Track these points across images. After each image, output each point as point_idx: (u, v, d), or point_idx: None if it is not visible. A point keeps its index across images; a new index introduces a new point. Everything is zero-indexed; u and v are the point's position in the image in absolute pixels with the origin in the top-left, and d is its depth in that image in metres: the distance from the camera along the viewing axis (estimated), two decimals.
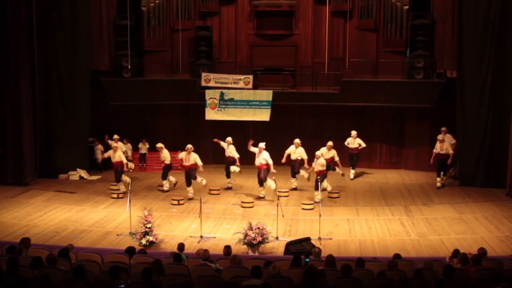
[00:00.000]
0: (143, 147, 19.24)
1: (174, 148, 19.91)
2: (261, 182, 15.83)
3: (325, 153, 16.54)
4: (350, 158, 18.50)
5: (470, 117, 17.65)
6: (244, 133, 20.47)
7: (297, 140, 16.82)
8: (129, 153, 18.85)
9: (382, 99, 18.79)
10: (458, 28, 17.76)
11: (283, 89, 19.18)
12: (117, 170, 16.37)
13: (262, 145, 16.00)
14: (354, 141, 18.07)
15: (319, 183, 14.82)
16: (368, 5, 19.17)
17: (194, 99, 19.30)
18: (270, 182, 15.55)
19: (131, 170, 17.03)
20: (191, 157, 15.91)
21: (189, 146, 16.10)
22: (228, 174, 16.97)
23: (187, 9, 19.66)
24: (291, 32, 19.87)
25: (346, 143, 18.24)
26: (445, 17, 18.19)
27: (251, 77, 19.01)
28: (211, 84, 18.97)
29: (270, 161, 15.71)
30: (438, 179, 17.13)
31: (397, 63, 18.92)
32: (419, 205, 15.58)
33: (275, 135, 20.25)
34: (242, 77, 19.05)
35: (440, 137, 17.10)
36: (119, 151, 16.44)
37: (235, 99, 18.98)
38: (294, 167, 16.82)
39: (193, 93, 19.15)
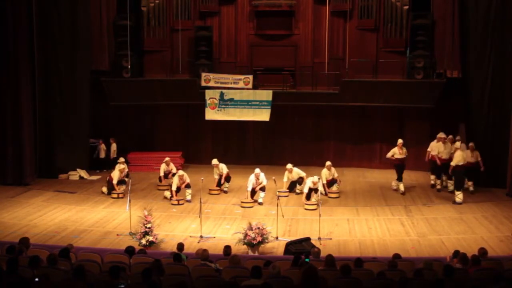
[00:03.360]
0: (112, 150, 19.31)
1: (174, 148, 19.99)
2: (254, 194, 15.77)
3: (328, 174, 16.23)
4: (399, 170, 16.83)
5: (470, 116, 17.67)
6: (244, 133, 20.51)
7: (289, 166, 16.35)
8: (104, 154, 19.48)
9: (382, 99, 18.77)
10: (458, 28, 17.79)
11: (283, 89, 19.16)
12: (110, 182, 16.42)
13: (258, 170, 15.71)
14: (402, 151, 16.61)
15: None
16: (368, 5, 19.15)
17: (194, 99, 19.29)
18: None
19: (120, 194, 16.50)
20: (185, 179, 15.83)
21: (181, 172, 16.02)
22: (227, 180, 16.88)
23: (187, 9, 19.64)
24: (291, 32, 19.85)
25: (390, 155, 16.76)
26: (445, 17, 18.17)
27: (251, 77, 19.00)
28: (211, 84, 18.96)
29: (265, 182, 15.60)
30: (470, 183, 16.50)
31: (397, 63, 18.91)
32: (419, 205, 15.59)
33: (275, 135, 20.27)
34: (242, 77, 19.04)
35: (471, 144, 16.37)
36: (117, 171, 16.40)
37: (235, 99, 18.97)
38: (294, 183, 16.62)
39: (193, 93, 19.14)
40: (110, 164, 18.79)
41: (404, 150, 16.68)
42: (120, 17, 19.00)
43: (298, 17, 19.78)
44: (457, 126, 18.48)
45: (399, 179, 16.84)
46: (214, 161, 16.74)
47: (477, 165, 16.35)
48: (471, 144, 16.49)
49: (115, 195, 16.13)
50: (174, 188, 15.72)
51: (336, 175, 16.47)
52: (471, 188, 16.56)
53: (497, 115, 17.16)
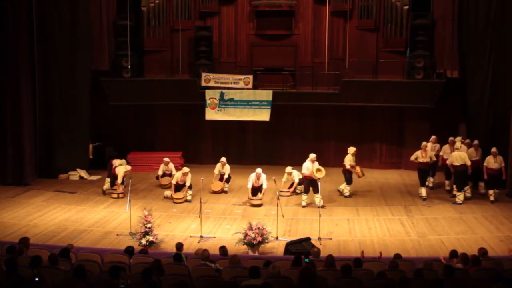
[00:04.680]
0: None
1: (174, 148, 19.99)
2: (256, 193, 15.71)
3: (352, 160, 16.22)
4: (421, 174, 16.15)
5: (470, 117, 17.67)
6: (244, 133, 20.50)
7: (288, 169, 16.32)
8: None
9: (382, 99, 18.77)
10: (458, 28, 17.79)
11: (283, 89, 19.16)
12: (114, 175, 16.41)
13: (259, 170, 15.68)
14: (425, 154, 15.95)
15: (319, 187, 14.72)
16: (368, 5, 19.14)
17: (194, 99, 19.29)
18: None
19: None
20: (186, 178, 15.85)
21: (186, 169, 15.98)
22: (227, 180, 16.90)
23: (187, 9, 19.64)
24: (291, 32, 19.84)
25: (413, 158, 16.06)
26: (445, 17, 18.18)
27: (251, 77, 19.00)
28: (211, 84, 18.96)
29: (265, 185, 15.55)
30: (491, 191, 15.66)
31: (397, 63, 18.91)
32: (419, 205, 15.58)
33: (275, 135, 20.26)
34: (242, 77, 19.04)
35: (494, 150, 15.52)
36: (123, 169, 16.27)
37: (235, 99, 18.98)
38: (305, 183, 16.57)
39: (193, 93, 19.14)
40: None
41: (429, 153, 16.06)
42: (120, 17, 18.99)
43: (298, 17, 19.77)
44: (457, 126, 18.48)
45: (422, 184, 16.11)
46: (223, 159, 16.76)
47: (499, 171, 15.59)
48: (493, 149, 15.60)
49: (115, 195, 16.12)
50: (174, 181, 15.82)
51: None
52: (492, 198, 15.57)
53: (497, 115, 17.16)
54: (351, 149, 16.38)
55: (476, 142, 16.33)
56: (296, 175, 16.36)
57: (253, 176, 15.59)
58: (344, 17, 19.34)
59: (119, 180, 16.10)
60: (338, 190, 16.59)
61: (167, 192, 16.12)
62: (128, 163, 18.03)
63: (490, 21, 17.01)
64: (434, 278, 7.74)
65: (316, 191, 14.89)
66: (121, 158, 17.35)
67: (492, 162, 15.56)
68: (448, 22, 18.06)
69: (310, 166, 15.22)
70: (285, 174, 16.46)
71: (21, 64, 17.32)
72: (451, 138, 16.58)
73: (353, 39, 19.15)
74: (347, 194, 16.35)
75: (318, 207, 13.95)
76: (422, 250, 12.17)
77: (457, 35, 17.88)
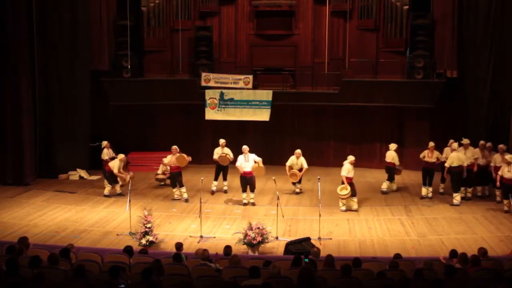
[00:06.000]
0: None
1: None
2: (252, 189, 15.57)
3: (395, 157, 16.38)
4: (425, 173, 16.10)
5: (470, 116, 17.67)
6: (244, 133, 20.50)
7: (298, 151, 16.28)
8: None
9: (382, 99, 18.77)
10: (458, 28, 17.80)
11: (283, 89, 19.17)
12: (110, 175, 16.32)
13: (246, 147, 15.68)
14: (432, 155, 15.89)
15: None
16: (368, 5, 19.14)
17: (194, 99, 19.30)
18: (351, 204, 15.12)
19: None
20: (177, 152, 15.87)
21: (175, 147, 15.99)
22: (224, 177, 16.85)
23: (187, 9, 19.65)
24: (291, 32, 19.84)
25: (422, 156, 16.09)
26: (445, 17, 18.18)
27: (251, 77, 19.00)
28: (211, 84, 18.97)
29: (259, 158, 15.47)
30: (505, 201, 14.61)
31: (397, 63, 18.91)
32: (419, 205, 15.58)
33: (275, 135, 20.26)
34: (242, 77, 19.04)
35: (508, 158, 14.37)
36: (117, 160, 16.15)
37: (235, 99, 18.98)
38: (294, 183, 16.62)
39: (193, 93, 19.14)
40: None
41: (436, 154, 15.88)
42: (120, 17, 18.99)
43: (298, 17, 19.77)
44: (457, 126, 18.47)
45: (424, 183, 16.14)
46: (222, 140, 16.61)
47: None
48: (507, 157, 14.54)
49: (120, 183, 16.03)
50: (166, 161, 15.97)
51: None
52: (506, 208, 14.54)
53: (497, 115, 17.16)
54: (393, 146, 16.60)
55: (489, 144, 15.69)
56: (304, 162, 16.22)
57: (241, 157, 15.45)
58: (344, 17, 19.34)
59: (115, 171, 15.93)
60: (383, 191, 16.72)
61: (176, 195, 16.02)
62: (128, 163, 17.98)
63: (490, 21, 17.03)
64: (434, 278, 7.74)
65: (353, 194, 15.07)
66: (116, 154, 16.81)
67: (505, 171, 14.45)
68: (448, 22, 18.06)
69: (350, 168, 15.07)
70: (293, 157, 16.17)
71: (21, 64, 17.32)
72: (500, 146, 15.47)
73: (353, 39, 19.15)
74: (395, 188, 16.84)
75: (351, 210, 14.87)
76: (422, 250, 12.17)
77: (457, 35, 17.89)
